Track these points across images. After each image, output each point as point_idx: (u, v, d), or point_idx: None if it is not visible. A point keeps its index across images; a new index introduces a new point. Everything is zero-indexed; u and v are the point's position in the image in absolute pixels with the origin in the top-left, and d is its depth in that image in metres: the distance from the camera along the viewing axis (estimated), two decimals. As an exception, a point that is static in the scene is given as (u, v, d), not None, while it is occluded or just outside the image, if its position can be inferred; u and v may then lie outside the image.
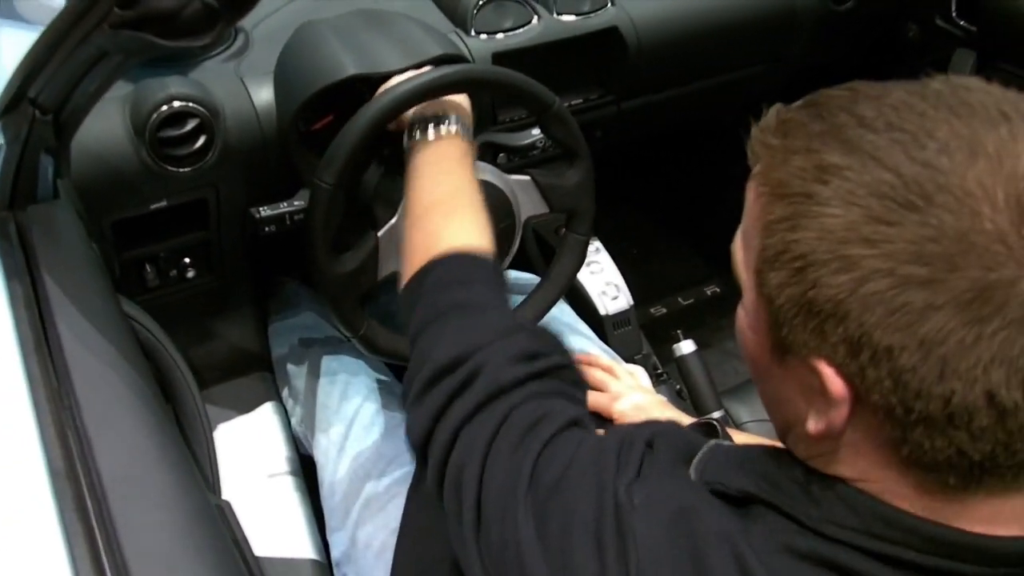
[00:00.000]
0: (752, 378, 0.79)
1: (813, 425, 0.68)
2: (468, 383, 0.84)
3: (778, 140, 0.68)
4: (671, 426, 0.88)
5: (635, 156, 2.23)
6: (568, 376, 0.93)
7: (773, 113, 0.72)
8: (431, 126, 1.19)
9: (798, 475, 0.72)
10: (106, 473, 0.87)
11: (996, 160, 0.59)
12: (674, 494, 0.73)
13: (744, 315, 0.76)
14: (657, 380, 1.74)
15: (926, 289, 0.58)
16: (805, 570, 0.68)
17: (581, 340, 1.59)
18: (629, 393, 1.32)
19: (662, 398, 1.34)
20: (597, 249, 1.86)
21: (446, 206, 1.09)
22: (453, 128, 1.19)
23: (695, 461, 0.79)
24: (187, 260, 1.56)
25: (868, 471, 0.68)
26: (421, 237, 1.05)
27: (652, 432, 0.82)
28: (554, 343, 0.94)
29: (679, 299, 2.31)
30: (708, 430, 1.12)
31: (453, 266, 0.99)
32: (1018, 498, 0.65)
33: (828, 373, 0.64)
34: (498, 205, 1.27)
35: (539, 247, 1.89)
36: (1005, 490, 0.64)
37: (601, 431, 0.83)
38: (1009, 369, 0.58)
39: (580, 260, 1.40)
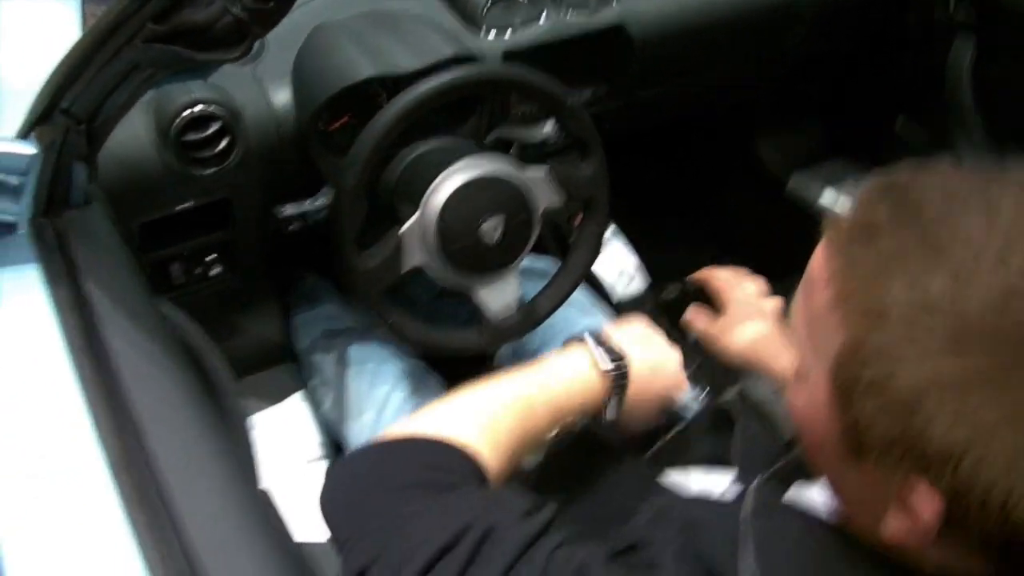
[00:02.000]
0: (807, 452, 0.76)
1: (890, 530, 0.65)
2: (479, 551, 0.76)
3: (861, 248, 0.64)
4: (697, 534, 0.79)
5: (645, 143, 2.27)
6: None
7: (856, 207, 0.67)
8: (597, 342, 1.12)
9: (859, 561, 0.70)
10: (163, 464, 0.91)
11: None
12: None
13: (808, 404, 0.71)
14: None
15: None
16: None
17: (596, 322, 1.63)
18: (747, 321, 1.27)
19: (774, 327, 1.27)
20: (612, 234, 1.90)
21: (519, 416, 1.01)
22: (608, 364, 1.09)
23: (744, 559, 0.73)
24: (210, 258, 1.60)
25: (943, 561, 0.66)
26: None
27: (690, 551, 0.77)
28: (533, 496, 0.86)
29: (691, 282, 2.34)
30: (724, 412, 1.16)
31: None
32: None
33: (923, 498, 0.61)
34: (516, 197, 1.30)
35: (553, 236, 1.92)
36: None
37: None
38: None
39: (596, 249, 1.44)
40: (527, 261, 1.58)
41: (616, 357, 1.10)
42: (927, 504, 0.61)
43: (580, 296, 1.68)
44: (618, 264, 1.86)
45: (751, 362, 1.25)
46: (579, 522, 1.04)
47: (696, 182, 2.54)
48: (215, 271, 1.62)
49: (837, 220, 0.66)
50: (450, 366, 1.62)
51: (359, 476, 0.90)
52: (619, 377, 1.10)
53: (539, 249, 1.78)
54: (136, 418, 0.95)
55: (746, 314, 1.28)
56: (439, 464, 0.88)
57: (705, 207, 2.57)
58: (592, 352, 1.10)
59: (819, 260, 0.68)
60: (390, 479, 0.87)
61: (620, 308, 1.82)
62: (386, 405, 1.52)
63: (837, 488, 0.75)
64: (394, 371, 1.55)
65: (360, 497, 0.87)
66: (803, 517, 0.78)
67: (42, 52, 1.17)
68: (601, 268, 1.84)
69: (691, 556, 0.75)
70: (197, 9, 0.93)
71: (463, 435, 0.92)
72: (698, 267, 2.38)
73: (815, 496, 0.85)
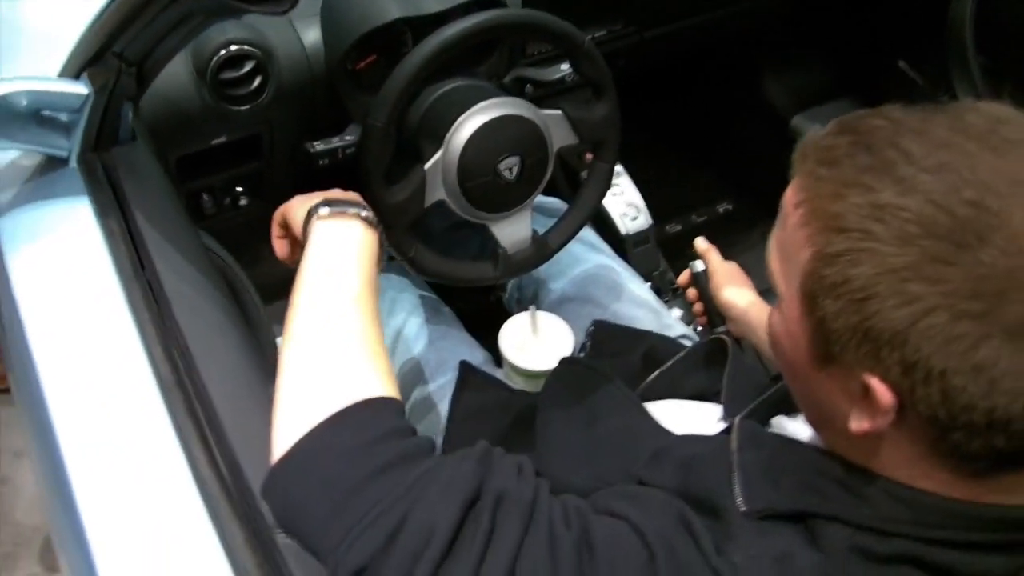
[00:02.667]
0: (784, 376, 0.86)
1: (855, 425, 0.73)
2: (495, 520, 0.77)
3: (825, 171, 0.73)
4: (694, 470, 0.88)
5: (655, 82, 2.31)
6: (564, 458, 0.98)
7: (813, 139, 0.77)
8: (337, 205, 1.09)
9: (838, 475, 0.79)
10: (210, 384, 0.99)
11: None
12: (760, 545, 0.77)
13: (781, 322, 0.81)
14: (673, 295, 1.87)
15: (980, 321, 0.64)
16: (875, 569, 0.74)
17: (602, 257, 1.71)
18: (744, 288, 1.42)
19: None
20: (619, 172, 1.97)
21: (354, 324, 0.95)
22: (357, 210, 1.08)
23: (736, 488, 0.82)
24: (240, 189, 1.68)
25: (905, 463, 0.75)
26: (326, 358, 0.91)
27: (687, 488, 0.85)
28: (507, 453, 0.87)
29: (693, 217, 2.41)
30: (718, 346, 1.24)
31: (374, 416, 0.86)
32: None
33: (879, 387, 0.70)
34: (533, 137, 1.36)
35: (564, 172, 1.99)
36: (1020, 468, 0.72)
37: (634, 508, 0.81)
38: None
39: (606, 187, 1.49)
40: (540, 199, 1.65)
41: (358, 206, 1.09)
42: (884, 392, 0.70)
43: (588, 232, 1.75)
44: (624, 200, 1.93)
45: (740, 326, 1.37)
46: (579, 459, 1.13)
47: (704, 121, 2.59)
48: (244, 202, 1.69)
49: (805, 153, 0.76)
50: (460, 297, 1.69)
51: (318, 472, 0.81)
52: (373, 220, 1.10)
53: (550, 188, 1.86)
54: (184, 340, 1.03)
55: (743, 281, 1.43)
56: (386, 430, 0.83)
57: (711, 145, 2.62)
58: (346, 213, 1.08)
59: (791, 189, 0.77)
60: (357, 466, 0.80)
61: (625, 242, 1.90)
62: (402, 331, 1.58)
63: (810, 402, 0.84)
64: (411, 299, 1.62)
65: (332, 495, 0.79)
66: (785, 445, 0.88)
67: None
68: (609, 204, 1.92)
69: (688, 492, 0.84)
70: (249, -38, 1.00)
71: (371, 382, 0.88)
72: (700, 201, 2.46)
73: (798, 427, 0.92)
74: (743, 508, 0.80)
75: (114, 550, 0.85)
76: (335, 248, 1.05)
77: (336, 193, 1.13)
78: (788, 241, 0.77)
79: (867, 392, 0.72)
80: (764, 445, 0.87)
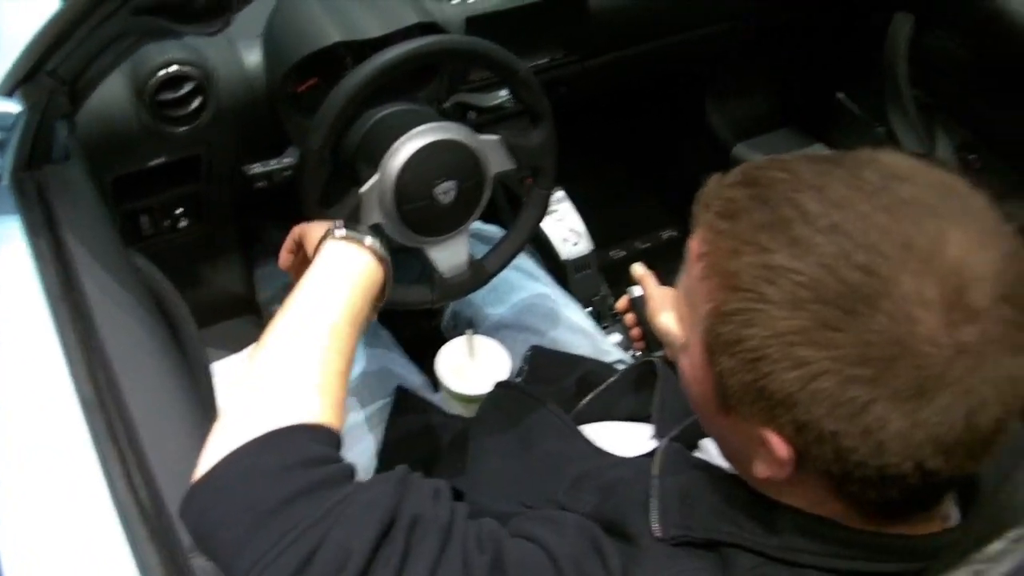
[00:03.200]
0: (698, 416, 0.86)
1: (758, 471, 0.75)
2: (411, 541, 0.77)
3: (725, 224, 0.74)
4: (611, 495, 0.89)
5: (599, 108, 2.33)
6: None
7: (716, 188, 0.77)
8: (352, 231, 1.10)
9: (752, 504, 0.80)
10: (132, 403, 0.98)
11: (927, 262, 0.65)
12: (669, 569, 0.78)
13: (689, 367, 0.81)
14: (613, 320, 1.88)
15: (868, 386, 0.66)
16: None
17: (539, 285, 1.72)
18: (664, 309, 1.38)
19: None
20: (560, 198, 1.98)
21: (319, 345, 0.94)
22: (373, 243, 1.09)
23: (652, 512, 0.83)
24: (179, 211, 1.67)
25: (813, 502, 0.76)
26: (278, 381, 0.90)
27: (602, 512, 0.86)
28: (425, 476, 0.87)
29: (637, 243, 2.42)
30: (649, 368, 1.25)
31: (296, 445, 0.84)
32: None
33: (776, 441, 0.72)
34: (469, 162, 1.36)
35: (506, 197, 2.00)
36: (925, 509, 0.76)
37: (546, 529, 0.82)
38: (936, 445, 0.67)
39: (543, 212, 1.50)
40: (479, 226, 1.66)
41: (365, 232, 1.10)
42: (781, 447, 0.72)
43: (526, 261, 1.76)
44: (565, 226, 1.95)
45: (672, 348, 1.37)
46: (508, 484, 1.14)
47: (648, 147, 2.60)
48: (183, 224, 1.69)
49: (707, 203, 0.77)
50: (398, 321, 1.69)
51: (236, 493, 0.80)
52: (383, 251, 1.10)
53: (492, 214, 1.87)
54: (108, 360, 1.03)
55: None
56: (311, 456, 0.82)
57: (656, 172, 2.63)
58: (359, 240, 1.09)
59: (695, 240, 0.78)
60: (276, 489, 0.78)
61: (566, 267, 1.91)
62: None
63: (719, 441, 0.86)
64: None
65: (248, 517, 0.78)
66: (704, 472, 0.88)
67: (16, 14, 1.24)
68: (549, 230, 1.93)
69: (603, 516, 0.85)
70: (181, -17, 1.00)
71: (311, 409, 0.87)
72: (644, 227, 2.47)
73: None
74: (658, 534, 0.81)
75: (27, 570, 0.84)
76: (334, 271, 1.06)
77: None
78: (692, 290, 0.78)
79: (766, 441, 0.73)
80: (684, 470, 0.88)
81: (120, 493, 0.90)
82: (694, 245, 0.78)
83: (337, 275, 1.05)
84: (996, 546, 0.69)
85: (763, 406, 0.71)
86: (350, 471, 0.84)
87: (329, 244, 1.10)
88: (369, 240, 1.09)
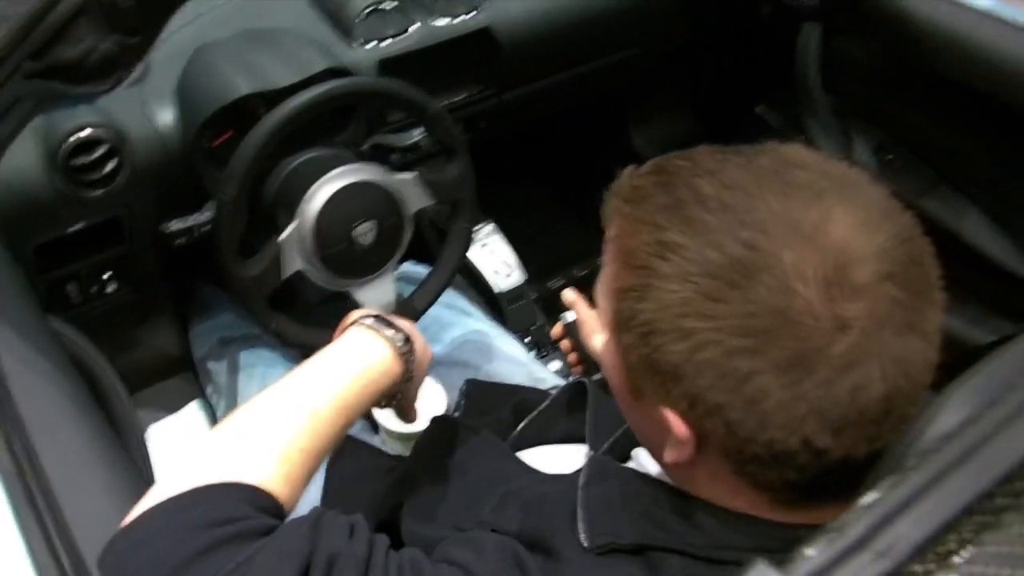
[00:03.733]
0: (623, 410, 0.87)
1: (668, 456, 0.77)
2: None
3: (629, 208, 0.77)
4: (536, 511, 0.90)
5: (521, 139, 2.35)
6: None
7: (626, 177, 0.80)
8: (383, 323, 1.09)
9: (677, 505, 0.81)
10: (51, 472, 0.97)
11: (810, 240, 0.68)
12: None
13: (607, 355, 0.83)
14: (552, 348, 1.88)
15: (750, 356, 0.68)
16: None
17: (471, 320, 1.72)
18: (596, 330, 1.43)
19: None
20: (491, 231, 1.99)
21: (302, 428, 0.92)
22: (399, 340, 1.07)
23: (580, 523, 0.84)
24: (107, 276, 1.66)
25: (727, 493, 0.77)
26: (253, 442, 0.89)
27: (527, 529, 0.87)
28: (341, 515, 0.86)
29: (574, 271, 2.43)
30: (579, 389, 1.25)
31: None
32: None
33: (673, 419, 0.74)
34: (386, 201, 1.38)
35: (436, 236, 2.01)
36: (839, 499, 0.75)
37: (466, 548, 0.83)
38: (820, 420, 0.68)
39: (466, 245, 1.52)
40: (409, 267, 1.66)
41: (400, 332, 1.08)
42: (678, 424, 0.74)
43: (458, 298, 1.77)
44: (497, 259, 1.96)
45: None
46: (442, 509, 1.13)
47: (574, 174, 2.61)
48: (111, 288, 1.68)
49: (617, 191, 0.80)
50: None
51: (152, 547, 0.79)
52: (410, 355, 1.08)
53: (424, 252, 1.87)
54: (26, 430, 1.02)
55: None
56: (235, 514, 0.80)
57: (585, 198, 2.60)
58: (382, 332, 1.07)
59: (607, 227, 0.81)
60: (189, 544, 0.77)
61: (500, 300, 1.92)
62: None
63: (637, 433, 0.87)
64: (282, 373, 1.61)
65: (160, 571, 0.77)
66: (631, 478, 0.89)
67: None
68: (481, 263, 1.94)
69: (526, 533, 0.86)
70: (69, 46, 1.01)
71: (254, 471, 0.86)
72: (579, 255, 2.48)
73: (651, 460, 0.93)
74: (586, 544, 0.81)
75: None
76: (344, 356, 1.04)
77: (404, 322, 1.11)
78: (602, 277, 0.81)
79: (668, 423, 0.74)
80: (610, 479, 0.89)
81: (42, 563, 0.90)
82: (606, 231, 0.81)
83: (341, 362, 1.03)
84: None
85: (659, 381, 0.74)
86: (270, 527, 0.82)
87: (352, 330, 1.09)
88: (391, 332, 1.07)
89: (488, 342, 1.68)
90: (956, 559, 0.48)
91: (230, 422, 0.92)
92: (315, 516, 0.82)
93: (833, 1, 1.86)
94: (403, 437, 1.46)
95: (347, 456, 1.46)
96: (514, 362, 1.65)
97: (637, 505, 0.83)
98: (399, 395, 1.12)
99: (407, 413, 1.21)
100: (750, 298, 0.67)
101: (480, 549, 0.83)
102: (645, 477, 0.89)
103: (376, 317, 1.09)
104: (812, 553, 0.50)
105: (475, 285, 1.93)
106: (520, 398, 1.47)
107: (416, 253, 1.62)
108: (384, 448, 1.50)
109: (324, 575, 0.76)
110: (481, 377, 1.59)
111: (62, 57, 1.01)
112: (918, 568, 0.48)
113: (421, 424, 1.39)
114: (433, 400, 1.50)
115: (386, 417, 1.47)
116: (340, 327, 1.15)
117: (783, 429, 0.69)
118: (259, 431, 0.90)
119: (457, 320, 1.71)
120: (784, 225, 0.69)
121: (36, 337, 1.18)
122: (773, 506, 0.76)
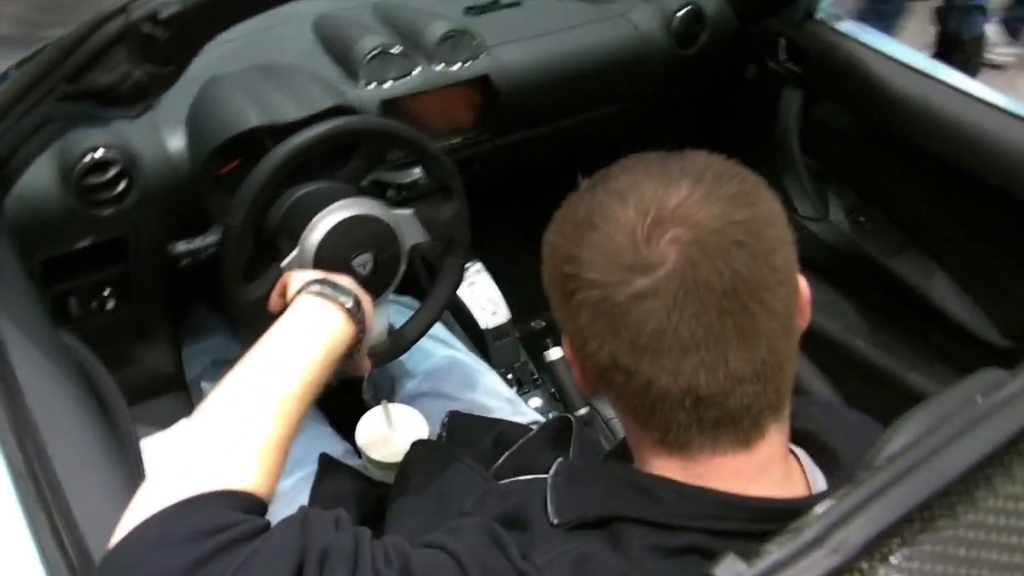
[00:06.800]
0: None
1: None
2: (323, 573, 0.80)
3: (564, 215, 0.90)
4: (513, 497, 0.96)
5: (514, 182, 2.41)
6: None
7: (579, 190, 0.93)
8: (329, 288, 1.12)
9: (637, 481, 0.87)
10: (60, 473, 1.02)
11: (643, 205, 0.81)
12: (562, 547, 0.83)
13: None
14: (533, 384, 1.95)
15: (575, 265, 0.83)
16: (671, 563, 0.80)
17: (453, 351, 1.79)
18: None
19: None
20: (479, 270, 2.06)
21: (268, 413, 0.95)
22: (347, 301, 1.11)
23: (550, 505, 0.90)
24: (107, 292, 1.71)
25: (656, 460, 0.87)
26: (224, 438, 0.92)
27: (504, 513, 0.92)
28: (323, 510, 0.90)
29: None
30: (565, 424, 1.31)
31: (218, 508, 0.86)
32: (743, 455, 0.85)
33: (568, 352, 0.90)
34: (384, 235, 1.44)
35: (427, 271, 2.07)
36: (719, 447, 0.84)
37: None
38: (631, 346, 0.80)
39: (457, 281, 1.58)
40: (396, 299, 1.72)
41: (349, 295, 1.11)
42: (568, 351, 0.90)
43: (441, 330, 1.83)
44: (484, 296, 2.02)
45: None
46: (424, 520, 1.19)
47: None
48: (111, 304, 1.73)
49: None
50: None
51: (149, 559, 0.81)
52: (361, 314, 1.12)
53: (415, 287, 1.94)
54: (37, 433, 1.07)
55: None
56: (225, 522, 0.83)
57: None
58: (334, 299, 1.10)
59: None
60: (185, 554, 0.79)
61: (485, 336, 1.98)
62: None
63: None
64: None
65: None
66: (596, 462, 1.00)
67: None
68: (468, 300, 2.00)
69: (503, 515, 0.91)
70: (104, 72, 1.07)
71: (238, 475, 0.89)
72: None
73: None
74: (555, 521, 0.87)
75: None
76: (301, 330, 1.07)
77: (343, 279, 1.17)
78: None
79: (570, 359, 0.91)
80: (576, 462, 1.00)
81: (51, 557, 0.94)
82: None
83: (300, 339, 1.05)
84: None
85: (558, 317, 0.88)
86: (261, 528, 0.85)
87: (302, 298, 1.11)
88: (343, 298, 1.11)
89: (470, 374, 1.74)
90: (897, 556, 0.56)
91: (205, 421, 0.94)
92: (302, 515, 0.87)
93: (815, 69, 1.95)
94: (385, 466, 1.51)
95: (331, 480, 1.51)
96: (496, 395, 1.71)
97: (600, 481, 0.90)
98: (355, 352, 1.15)
99: (359, 366, 1.25)
100: (589, 237, 0.82)
101: (458, 532, 0.88)
102: (609, 458, 1.00)
103: (321, 281, 1.13)
104: (774, 548, 0.57)
105: (462, 321, 1.99)
106: (499, 430, 1.52)
107: (405, 286, 1.68)
108: (366, 473, 1.55)
109: (319, 568, 0.80)
110: (462, 408, 1.64)
111: (96, 82, 1.07)
112: (864, 564, 0.56)
113: (402, 453, 1.45)
114: (415, 430, 1.55)
115: (368, 446, 1.53)
116: (279, 289, 1.23)
117: (598, 354, 0.83)
118: (235, 429, 0.93)
119: (439, 351, 1.77)
120: (635, 194, 0.82)
121: (47, 346, 1.22)
122: (679, 466, 0.85)
